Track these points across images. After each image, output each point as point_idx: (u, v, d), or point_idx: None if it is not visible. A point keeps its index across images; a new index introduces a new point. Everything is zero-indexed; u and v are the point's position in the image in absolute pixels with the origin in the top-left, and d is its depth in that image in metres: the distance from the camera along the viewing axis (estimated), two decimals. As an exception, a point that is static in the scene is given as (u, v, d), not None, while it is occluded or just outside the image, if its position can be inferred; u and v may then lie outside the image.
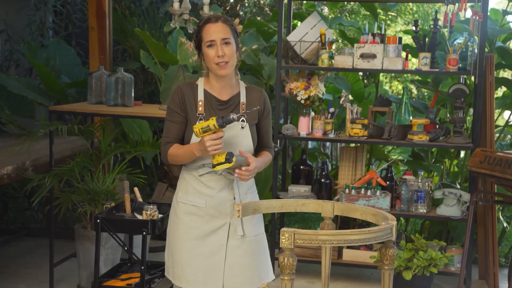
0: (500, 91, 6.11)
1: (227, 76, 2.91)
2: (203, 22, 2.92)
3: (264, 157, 3.01)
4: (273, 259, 4.72)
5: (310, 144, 6.30)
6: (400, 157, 6.17)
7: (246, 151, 2.93)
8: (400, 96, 5.31)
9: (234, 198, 2.95)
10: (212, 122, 2.74)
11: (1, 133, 5.91)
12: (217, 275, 2.96)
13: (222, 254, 2.96)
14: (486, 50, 4.85)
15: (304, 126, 4.83)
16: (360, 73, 6.45)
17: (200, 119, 2.90)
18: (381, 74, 6.53)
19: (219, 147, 2.77)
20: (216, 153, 2.78)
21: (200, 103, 2.93)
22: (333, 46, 5.51)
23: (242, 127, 2.93)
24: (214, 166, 2.81)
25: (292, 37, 4.85)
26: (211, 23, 2.89)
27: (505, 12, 5.50)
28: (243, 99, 2.97)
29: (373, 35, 4.71)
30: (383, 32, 4.77)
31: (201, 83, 2.98)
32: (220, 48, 2.85)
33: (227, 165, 2.79)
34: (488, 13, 4.70)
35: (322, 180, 5.02)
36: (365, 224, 5.01)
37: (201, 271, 2.96)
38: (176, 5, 4.49)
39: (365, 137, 4.71)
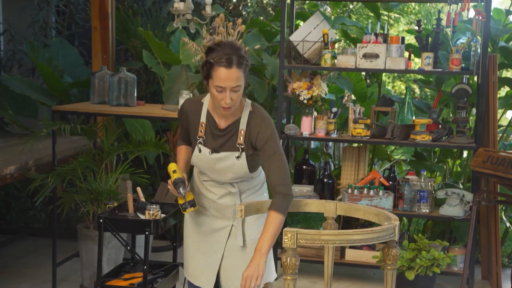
0: (503, 91, 6.10)
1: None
2: (216, 63, 2.70)
3: (265, 234, 2.71)
4: (276, 259, 4.72)
5: (313, 144, 6.30)
6: (402, 157, 6.16)
7: (243, 177, 2.93)
8: (403, 96, 5.30)
9: (235, 204, 2.98)
10: (173, 176, 2.92)
11: (4, 133, 5.91)
12: (211, 274, 3.04)
13: (219, 254, 3.02)
14: (489, 50, 4.84)
15: (306, 126, 4.83)
16: (363, 73, 6.45)
17: (200, 142, 2.91)
18: (383, 74, 6.52)
19: (176, 195, 2.91)
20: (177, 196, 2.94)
21: (202, 125, 2.91)
22: (336, 46, 5.51)
23: (238, 157, 2.88)
24: (183, 208, 2.96)
25: (295, 37, 4.85)
26: (224, 67, 2.69)
27: (508, 12, 5.49)
28: (242, 126, 2.86)
29: (376, 35, 4.70)
30: (385, 32, 4.77)
31: (206, 101, 2.92)
32: (228, 96, 2.73)
33: (192, 209, 2.96)
34: (491, 13, 4.69)
35: (325, 180, 5.02)
36: (367, 224, 5.01)
37: (199, 266, 3.06)
38: (178, 5, 4.49)
39: (368, 137, 4.70)
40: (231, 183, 2.96)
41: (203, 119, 2.90)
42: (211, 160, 2.90)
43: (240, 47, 2.77)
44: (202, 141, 2.90)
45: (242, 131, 2.85)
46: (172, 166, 2.96)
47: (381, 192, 4.67)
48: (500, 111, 5.50)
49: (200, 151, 2.91)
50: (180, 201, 2.95)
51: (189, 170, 3.12)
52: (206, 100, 2.92)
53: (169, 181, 2.92)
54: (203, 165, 2.95)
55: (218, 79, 2.72)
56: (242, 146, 2.86)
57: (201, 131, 2.90)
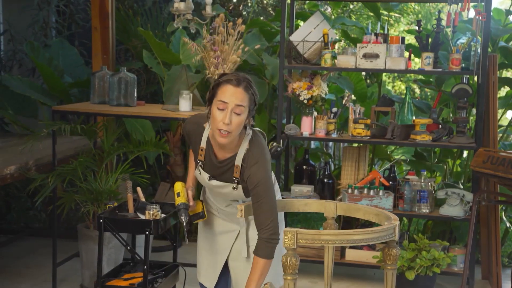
0: (503, 91, 6.10)
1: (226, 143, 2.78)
2: (224, 81, 2.72)
3: (250, 278, 2.76)
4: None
5: (313, 144, 6.30)
6: (403, 157, 6.16)
7: (240, 202, 2.95)
8: (403, 96, 5.30)
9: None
10: (176, 201, 2.99)
11: (4, 133, 5.91)
12: (214, 273, 3.09)
13: (224, 255, 3.05)
14: (489, 50, 4.85)
15: (306, 126, 4.83)
16: (363, 73, 6.45)
17: (200, 165, 2.92)
18: (384, 74, 6.52)
19: None
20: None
21: (202, 149, 2.90)
22: (336, 46, 5.51)
23: (234, 188, 2.88)
24: (192, 219, 3.04)
25: (295, 37, 4.85)
26: (232, 85, 2.70)
27: (508, 12, 5.49)
28: (238, 162, 2.83)
29: (376, 35, 4.70)
30: (386, 32, 4.77)
31: (207, 129, 2.89)
32: (228, 116, 2.68)
33: (201, 220, 3.06)
34: (491, 13, 4.69)
35: (325, 180, 5.02)
36: (367, 224, 5.01)
37: (204, 264, 3.12)
38: (179, 5, 4.49)
39: (368, 137, 4.70)
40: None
41: (203, 144, 2.90)
42: (210, 185, 2.94)
43: (252, 80, 2.77)
44: (202, 165, 2.92)
45: (238, 167, 2.82)
46: (177, 188, 2.98)
47: (381, 192, 4.67)
48: (500, 111, 5.50)
49: (200, 173, 2.95)
50: (190, 213, 3.00)
51: None
52: (207, 128, 2.90)
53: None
54: (204, 185, 3.03)
55: (222, 94, 2.70)
56: (238, 179, 2.85)
57: (201, 155, 2.91)
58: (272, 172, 2.93)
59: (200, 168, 2.92)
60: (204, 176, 2.92)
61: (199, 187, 3.18)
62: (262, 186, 2.76)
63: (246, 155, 2.81)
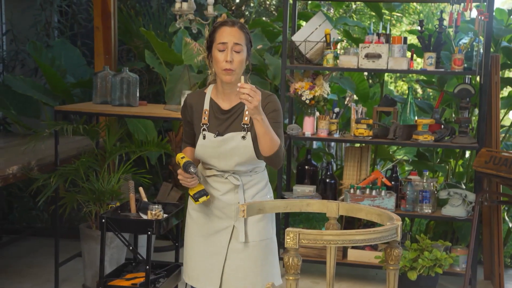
0: (506, 91, 6.10)
1: (232, 83, 2.87)
2: (219, 24, 2.89)
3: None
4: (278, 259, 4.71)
5: (315, 144, 6.30)
6: (405, 157, 6.16)
7: (249, 162, 2.94)
8: (405, 96, 5.30)
9: (239, 203, 2.95)
10: (181, 161, 2.88)
11: (7, 133, 5.92)
12: (215, 275, 2.99)
13: (222, 256, 2.98)
14: (491, 50, 4.84)
15: (309, 126, 4.83)
16: (365, 73, 6.45)
17: (204, 129, 2.92)
18: (386, 74, 6.52)
19: (187, 185, 2.89)
20: (189, 186, 2.91)
21: (205, 112, 2.94)
22: (338, 46, 5.51)
23: (243, 137, 2.89)
24: (195, 198, 2.93)
25: (297, 37, 4.85)
26: (227, 26, 2.86)
27: (511, 12, 5.49)
28: None
29: (378, 35, 4.70)
30: (388, 32, 4.77)
31: (209, 91, 2.98)
32: (230, 54, 2.82)
33: (204, 198, 2.93)
34: (494, 13, 4.69)
35: (327, 180, 5.02)
36: (370, 224, 5.01)
37: (201, 269, 3.01)
38: (181, 5, 4.49)
39: (370, 137, 4.70)
40: (234, 173, 2.95)
41: (206, 106, 2.95)
42: (216, 143, 2.90)
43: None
44: (206, 128, 2.92)
45: (247, 112, 2.87)
46: (179, 155, 2.95)
47: (383, 192, 4.67)
48: (502, 111, 5.50)
49: (204, 137, 2.92)
50: (191, 192, 2.92)
51: None
52: (209, 90, 2.97)
53: (179, 171, 2.90)
54: (208, 152, 2.94)
55: (220, 36, 2.85)
56: (248, 126, 2.89)
57: (204, 118, 2.93)
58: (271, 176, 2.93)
59: (204, 132, 2.92)
60: (209, 137, 2.90)
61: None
62: (278, 114, 2.90)
63: None
